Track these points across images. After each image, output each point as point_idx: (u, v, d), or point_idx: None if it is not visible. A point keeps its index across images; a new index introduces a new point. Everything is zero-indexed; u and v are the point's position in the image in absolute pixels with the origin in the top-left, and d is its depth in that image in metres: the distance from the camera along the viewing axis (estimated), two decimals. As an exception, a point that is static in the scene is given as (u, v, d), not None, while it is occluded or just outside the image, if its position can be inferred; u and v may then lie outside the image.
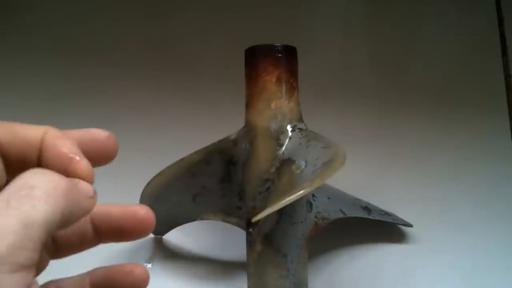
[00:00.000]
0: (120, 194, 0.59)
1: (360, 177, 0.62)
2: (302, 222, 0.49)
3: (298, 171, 0.44)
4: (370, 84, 0.68)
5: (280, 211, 0.46)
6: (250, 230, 0.48)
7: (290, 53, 0.50)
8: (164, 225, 0.58)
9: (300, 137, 0.48)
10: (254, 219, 0.40)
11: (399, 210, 0.60)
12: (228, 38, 0.70)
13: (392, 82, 0.69)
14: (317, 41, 0.71)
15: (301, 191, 0.39)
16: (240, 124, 0.50)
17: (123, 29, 0.70)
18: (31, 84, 0.67)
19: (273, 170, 0.47)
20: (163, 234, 0.59)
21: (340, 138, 0.49)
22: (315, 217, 0.51)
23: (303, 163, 0.45)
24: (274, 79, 0.49)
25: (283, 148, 0.48)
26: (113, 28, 0.70)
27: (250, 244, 0.49)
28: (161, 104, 0.66)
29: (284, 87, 0.49)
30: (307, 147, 0.47)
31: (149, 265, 0.58)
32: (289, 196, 0.39)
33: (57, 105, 0.66)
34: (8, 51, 0.69)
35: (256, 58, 0.49)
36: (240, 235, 0.52)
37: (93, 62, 0.68)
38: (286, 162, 0.47)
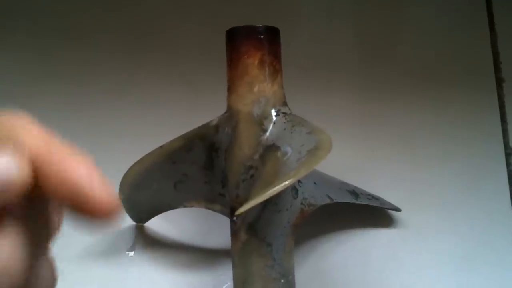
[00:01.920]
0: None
1: (346, 160, 0.60)
2: (287, 210, 0.47)
3: (284, 158, 0.43)
4: (355, 63, 0.67)
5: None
6: (234, 218, 0.47)
7: (272, 34, 0.48)
8: (145, 213, 0.57)
9: (284, 122, 0.46)
10: (238, 212, 0.39)
11: (387, 193, 0.58)
12: (208, 17, 0.67)
13: (377, 61, 0.67)
14: (299, 19, 0.69)
15: (286, 182, 0.38)
16: (222, 107, 0.49)
17: (100, 10, 0.67)
18: (5, 66, 0.65)
19: (256, 156, 0.46)
20: (144, 222, 0.58)
21: (325, 119, 0.48)
22: (301, 203, 0.49)
23: (288, 150, 0.43)
24: (256, 62, 0.47)
25: (267, 134, 0.46)
26: (89, 8, 0.67)
27: (234, 233, 0.48)
28: (139, 87, 0.64)
29: (267, 70, 0.47)
30: (291, 132, 0.45)
31: (131, 254, 0.56)
32: (274, 187, 0.37)
33: (32, 89, 0.63)
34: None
35: (237, 40, 0.48)
36: (224, 222, 0.51)
37: (68, 44, 0.66)
38: (270, 148, 0.45)
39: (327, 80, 0.66)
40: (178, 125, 0.51)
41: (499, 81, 0.66)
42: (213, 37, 0.54)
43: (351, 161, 0.61)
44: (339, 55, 0.67)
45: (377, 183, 0.59)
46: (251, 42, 0.47)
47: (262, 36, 0.47)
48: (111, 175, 0.49)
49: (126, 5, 0.68)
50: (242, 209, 0.39)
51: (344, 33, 0.68)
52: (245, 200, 0.45)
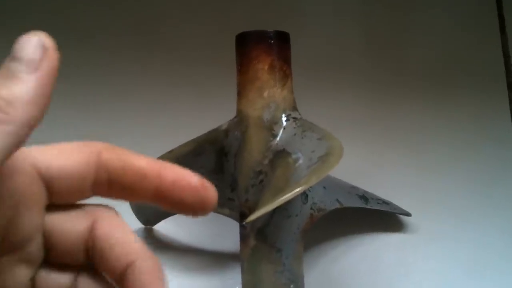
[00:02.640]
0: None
1: (355, 164, 0.60)
2: (297, 215, 0.47)
3: (295, 165, 0.42)
4: (363, 66, 0.66)
5: (274, 205, 0.45)
6: (244, 223, 0.47)
7: (283, 39, 0.48)
8: (154, 216, 0.56)
9: (294, 127, 0.46)
10: (249, 219, 0.39)
11: (396, 197, 0.58)
12: (216, 18, 0.67)
13: (387, 63, 0.67)
14: (308, 22, 0.68)
15: (297, 189, 0.37)
16: (231, 110, 0.49)
17: (107, 10, 0.67)
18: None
19: (266, 162, 0.46)
20: (153, 225, 0.58)
21: (334, 122, 0.48)
22: (311, 208, 0.49)
23: (299, 156, 0.43)
24: (266, 67, 0.47)
25: (277, 139, 0.46)
26: (96, 9, 0.67)
27: (243, 238, 0.47)
28: (147, 89, 0.64)
29: (277, 75, 0.47)
30: (302, 138, 0.45)
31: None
32: (284, 194, 0.37)
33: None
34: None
35: (247, 45, 0.47)
36: (232, 225, 0.51)
37: (74, 44, 0.65)
38: (280, 154, 0.45)
39: (334, 83, 0.65)
40: (185, 127, 0.51)
41: (510, 86, 0.65)
42: (221, 37, 0.54)
43: (359, 165, 0.60)
44: (347, 57, 0.67)
45: (386, 187, 0.58)
46: (262, 47, 0.47)
47: (272, 41, 0.47)
48: None
49: (132, 5, 0.68)
50: (252, 217, 0.38)
51: (352, 34, 0.68)
52: (255, 204, 0.45)
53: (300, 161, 0.42)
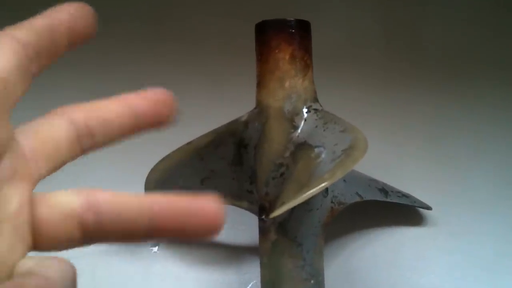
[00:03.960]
0: (120, 178, 0.57)
1: (374, 156, 0.59)
2: (318, 209, 0.46)
3: (318, 159, 0.41)
4: (382, 57, 0.65)
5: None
6: (263, 217, 0.46)
7: (304, 28, 0.47)
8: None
9: (316, 119, 0.45)
10: (272, 216, 0.38)
11: (416, 190, 0.57)
12: (232, 7, 0.65)
13: (404, 54, 0.65)
14: (326, 12, 0.67)
15: (322, 184, 0.36)
16: (249, 101, 0.47)
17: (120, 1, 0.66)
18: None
19: (287, 154, 0.45)
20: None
21: (352, 114, 0.46)
22: (331, 202, 0.48)
23: (322, 149, 0.42)
24: (287, 57, 0.45)
25: (298, 131, 0.45)
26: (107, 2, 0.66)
27: (263, 232, 0.46)
28: (161, 79, 0.63)
29: (298, 65, 0.46)
30: (323, 130, 0.44)
31: (155, 249, 0.55)
32: (309, 189, 0.36)
33: (48, 79, 0.62)
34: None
35: (267, 34, 0.46)
36: (250, 218, 0.50)
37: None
38: (302, 146, 0.44)
39: (352, 73, 0.64)
40: (200, 118, 0.50)
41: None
42: (238, 26, 0.52)
43: (378, 157, 0.59)
44: (365, 48, 0.65)
45: (406, 180, 0.57)
46: (282, 36, 0.46)
47: (293, 30, 0.46)
48: (134, 171, 0.49)
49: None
50: (277, 212, 0.37)
51: (371, 25, 0.66)
52: (275, 198, 0.44)
53: (323, 155, 0.41)
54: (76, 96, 0.58)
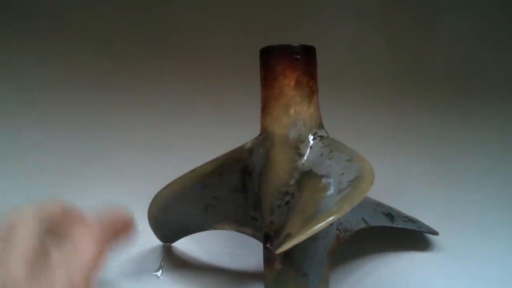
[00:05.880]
0: (122, 196, 0.56)
1: (379, 178, 0.58)
2: (323, 237, 0.45)
3: (324, 190, 0.40)
4: (387, 78, 0.64)
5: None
6: (268, 245, 0.45)
7: (309, 53, 0.46)
8: (173, 234, 0.55)
9: (321, 147, 0.44)
10: (279, 251, 0.37)
11: (422, 213, 0.56)
12: (238, 30, 0.65)
13: (409, 73, 0.65)
14: (329, 31, 0.66)
15: (330, 218, 0.35)
16: (253, 125, 0.47)
17: (127, 19, 0.66)
18: (28, 73, 0.63)
19: (292, 182, 0.44)
20: (172, 242, 0.56)
21: (356, 135, 0.46)
22: (337, 229, 0.47)
23: (328, 179, 0.41)
24: (292, 83, 0.45)
25: (304, 159, 0.44)
26: (116, 19, 0.65)
27: (268, 260, 0.46)
28: (165, 97, 0.62)
29: (303, 91, 0.45)
30: (329, 158, 0.43)
31: (158, 274, 0.54)
32: (317, 223, 0.35)
33: (55, 95, 0.62)
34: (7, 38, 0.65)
35: (272, 60, 0.46)
36: (253, 243, 0.50)
37: (92, 51, 0.64)
38: (307, 175, 0.43)
39: (357, 94, 0.63)
40: (205, 138, 0.49)
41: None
42: (242, 49, 0.52)
43: (383, 179, 0.58)
44: (370, 69, 0.65)
45: (412, 203, 0.57)
46: (287, 62, 0.45)
47: (298, 56, 0.45)
48: (136, 190, 0.49)
49: (150, 16, 0.66)
50: (285, 247, 0.36)
51: (375, 46, 0.66)
52: (280, 227, 0.44)
53: (329, 185, 0.41)
54: (81, 112, 0.58)
